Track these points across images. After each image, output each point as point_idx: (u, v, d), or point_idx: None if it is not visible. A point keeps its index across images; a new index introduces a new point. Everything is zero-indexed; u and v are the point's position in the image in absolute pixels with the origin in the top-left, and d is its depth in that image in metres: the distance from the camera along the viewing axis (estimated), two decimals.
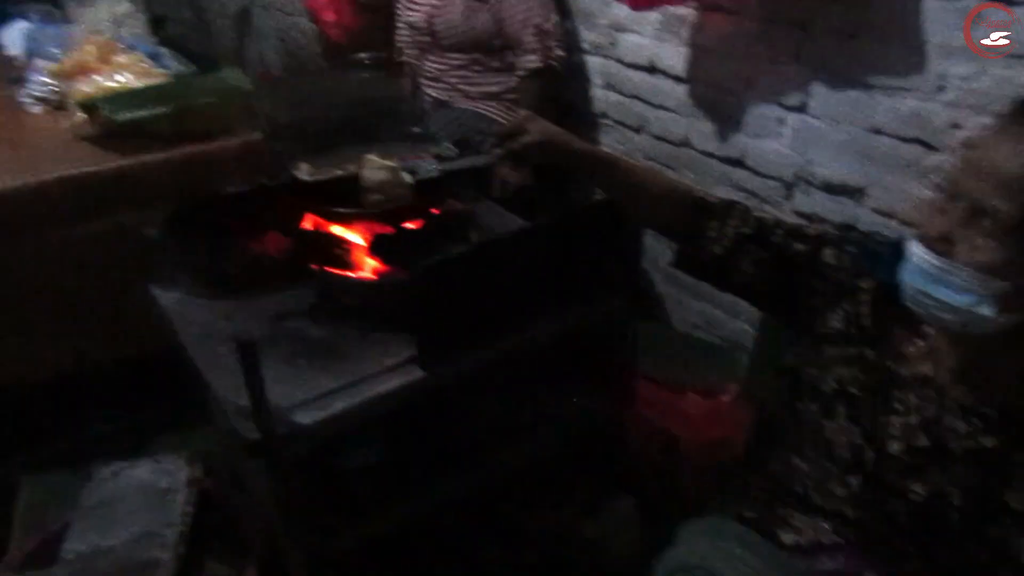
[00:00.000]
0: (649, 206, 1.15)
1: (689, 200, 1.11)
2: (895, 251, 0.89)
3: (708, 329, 2.02)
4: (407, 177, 1.25)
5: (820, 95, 1.56)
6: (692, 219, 1.10)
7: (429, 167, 1.29)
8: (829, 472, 0.96)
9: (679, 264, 1.15)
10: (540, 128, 1.16)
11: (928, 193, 1.40)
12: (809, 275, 1.02)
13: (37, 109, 2.06)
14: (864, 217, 1.55)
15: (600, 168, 1.17)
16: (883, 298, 0.95)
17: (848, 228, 1.05)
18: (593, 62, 2.13)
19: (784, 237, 1.04)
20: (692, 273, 1.15)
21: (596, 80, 2.14)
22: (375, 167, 1.23)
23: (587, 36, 2.11)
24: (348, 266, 1.28)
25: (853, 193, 1.56)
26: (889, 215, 1.50)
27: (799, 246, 1.03)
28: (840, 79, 1.52)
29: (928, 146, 1.40)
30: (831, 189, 1.61)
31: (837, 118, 1.54)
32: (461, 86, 2.15)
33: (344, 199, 1.26)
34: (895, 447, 0.91)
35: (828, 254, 1.01)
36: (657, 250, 2.04)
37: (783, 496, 1.01)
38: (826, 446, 0.96)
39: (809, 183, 1.65)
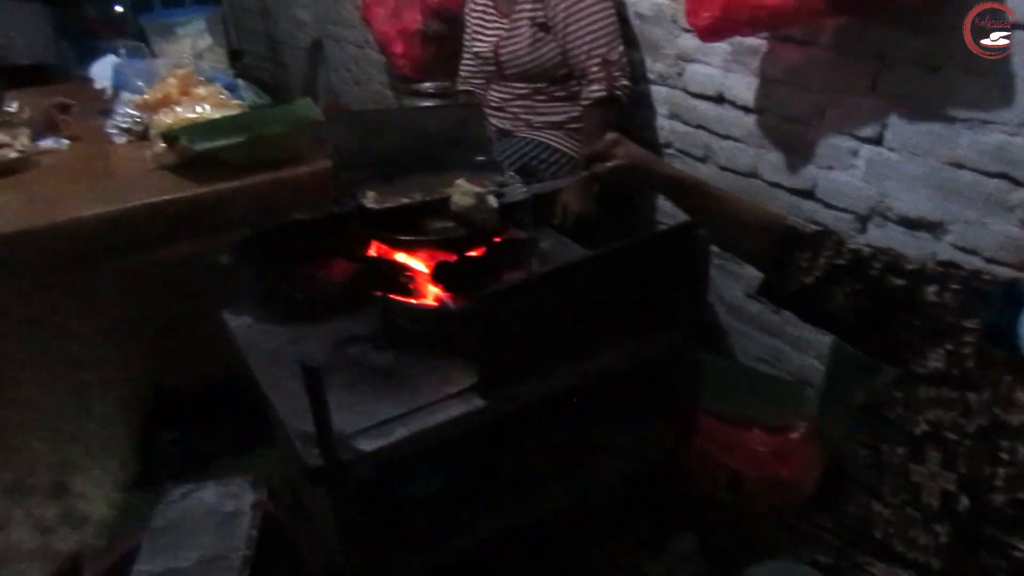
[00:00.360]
0: (737, 233, 1.13)
1: (780, 228, 1.08)
2: (1007, 293, 0.84)
3: (774, 363, 1.97)
4: (493, 201, 1.26)
5: (897, 127, 1.51)
6: (782, 248, 1.07)
7: (518, 190, 1.31)
8: (912, 519, 0.90)
9: (765, 293, 1.12)
10: (627, 152, 1.15)
11: (1015, 230, 1.34)
12: (908, 312, 0.97)
13: (122, 140, 2.17)
14: (944, 253, 1.48)
15: (686, 193, 1.15)
16: (990, 340, 0.90)
17: (951, 265, 1.00)
18: (658, 92, 2.12)
19: (882, 271, 1.00)
20: (776, 302, 1.12)
21: (661, 109, 2.13)
22: (463, 192, 1.25)
23: (653, 66, 2.10)
24: (411, 293, 1.29)
25: (932, 228, 1.50)
26: (972, 252, 1.43)
27: (898, 281, 0.99)
28: (919, 111, 1.46)
29: (1015, 181, 1.34)
30: (908, 223, 1.55)
31: (915, 151, 1.49)
32: (525, 115, 2.16)
33: (409, 227, 1.28)
34: (998, 499, 0.85)
35: (930, 291, 0.96)
36: (722, 281, 2.00)
37: (860, 542, 0.96)
38: (911, 491, 0.91)
39: (884, 217, 1.59)
